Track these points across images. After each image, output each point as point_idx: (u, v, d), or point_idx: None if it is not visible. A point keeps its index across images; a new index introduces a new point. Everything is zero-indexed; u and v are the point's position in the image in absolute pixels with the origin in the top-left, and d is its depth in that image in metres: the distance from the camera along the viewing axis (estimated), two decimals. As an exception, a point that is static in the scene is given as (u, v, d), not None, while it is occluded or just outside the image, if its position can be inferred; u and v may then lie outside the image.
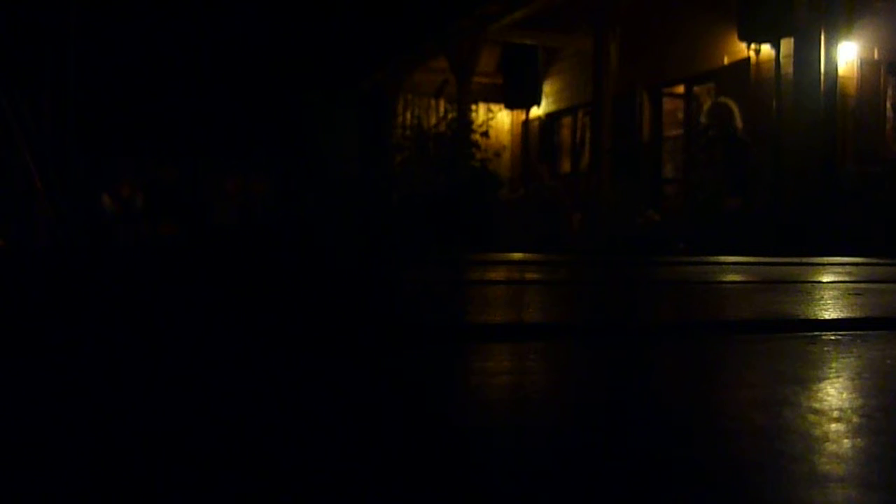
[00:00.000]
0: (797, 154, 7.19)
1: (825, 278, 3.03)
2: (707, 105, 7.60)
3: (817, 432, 0.65)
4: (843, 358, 1.05)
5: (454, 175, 11.11)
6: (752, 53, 8.06)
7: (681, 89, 9.85)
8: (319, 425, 0.68)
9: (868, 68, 7.62)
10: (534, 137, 12.79)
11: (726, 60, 8.64)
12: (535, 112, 12.44)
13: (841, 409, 0.74)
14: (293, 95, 13.12)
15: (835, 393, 0.82)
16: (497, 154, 12.68)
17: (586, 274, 3.68)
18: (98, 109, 10.62)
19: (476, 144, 11.86)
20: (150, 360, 1.01)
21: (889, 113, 7.86)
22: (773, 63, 7.54)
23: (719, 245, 6.60)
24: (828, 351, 1.11)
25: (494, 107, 13.02)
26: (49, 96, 6.30)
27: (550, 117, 12.42)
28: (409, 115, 13.67)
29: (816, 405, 0.76)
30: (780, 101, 7.41)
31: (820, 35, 7.12)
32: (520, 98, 12.01)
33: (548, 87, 12.25)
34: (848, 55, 7.45)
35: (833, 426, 0.67)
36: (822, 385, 0.87)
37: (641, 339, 1.31)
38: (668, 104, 10.19)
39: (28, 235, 5.43)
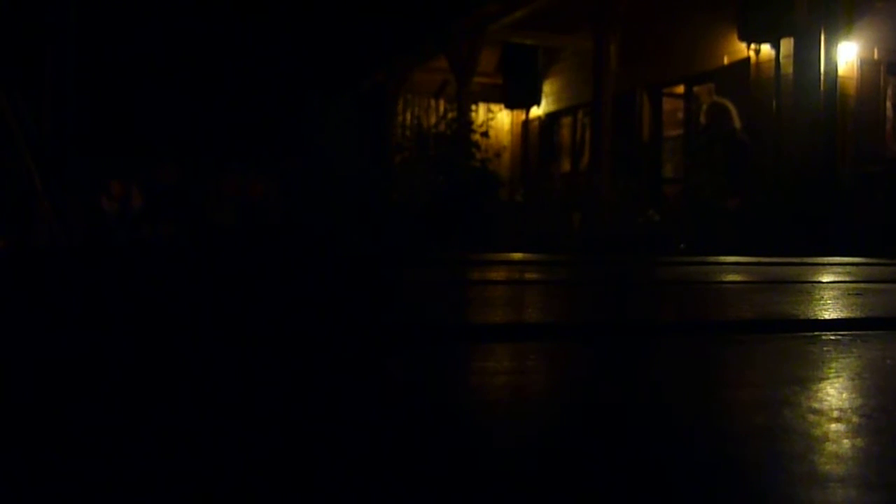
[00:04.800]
0: (797, 154, 7.19)
1: (825, 278, 3.03)
2: (706, 105, 7.60)
3: (817, 432, 0.65)
4: (843, 358, 1.05)
5: (454, 175, 11.11)
6: (752, 53, 8.06)
7: (681, 89, 9.85)
8: (320, 424, 0.68)
9: (868, 68, 7.62)
10: (534, 137, 12.78)
11: (726, 60, 8.64)
12: (535, 112, 12.44)
13: (841, 409, 0.74)
14: (293, 95, 13.11)
15: (835, 393, 0.82)
16: (497, 154, 12.67)
17: (586, 274, 3.67)
18: (98, 109, 10.62)
19: (476, 144, 11.85)
20: (149, 360, 1.01)
21: (889, 113, 7.86)
22: (773, 63, 7.54)
23: (719, 245, 6.59)
24: (828, 351, 1.11)
25: (494, 107, 13.02)
26: (49, 96, 6.30)
27: (550, 117, 12.42)
28: (409, 115, 13.67)
29: (816, 405, 0.76)
30: (780, 101, 7.40)
31: (820, 35, 7.12)
32: (520, 98, 12.00)
33: (548, 87, 12.24)
34: (848, 55, 7.45)
35: (833, 426, 0.67)
36: (822, 385, 0.87)
37: (641, 339, 1.31)
38: (668, 104, 10.18)
39: (28, 235, 5.43)
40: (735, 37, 7.85)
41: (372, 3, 12.87)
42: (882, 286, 2.62)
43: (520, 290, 2.48)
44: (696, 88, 9.55)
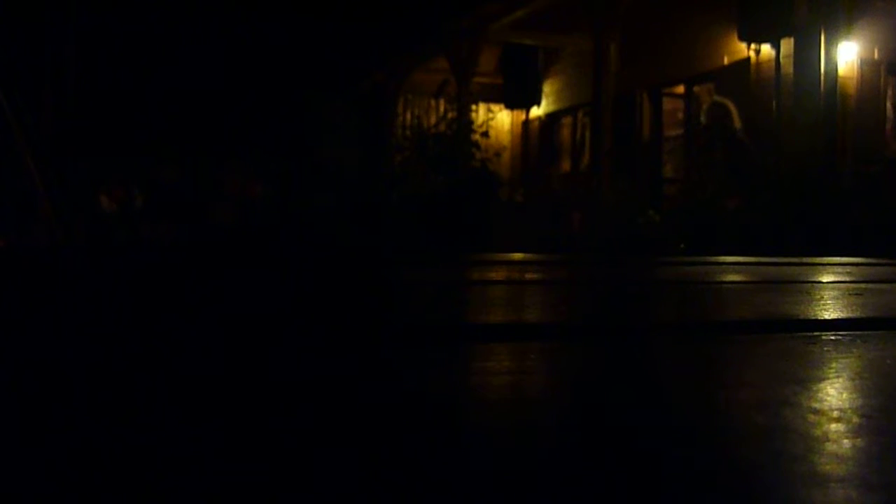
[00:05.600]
0: (797, 154, 7.20)
1: (825, 278, 3.03)
2: (706, 105, 7.61)
3: (817, 432, 0.65)
4: (843, 358, 1.05)
5: (454, 175, 11.12)
6: (752, 53, 8.07)
7: (681, 89, 9.85)
8: (319, 425, 0.68)
9: (868, 68, 7.63)
10: (534, 137, 12.79)
11: (726, 60, 8.64)
12: (535, 112, 12.45)
13: (841, 409, 0.74)
14: (293, 95, 13.12)
15: (835, 393, 0.82)
16: (497, 154, 12.68)
17: (586, 274, 3.67)
18: (98, 109, 10.62)
19: (476, 144, 11.86)
20: (151, 360, 1.01)
21: (889, 113, 7.87)
22: (773, 63, 7.54)
23: (719, 245, 6.59)
24: (828, 351, 1.11)
25: (494, 107, 13.02)
26: (49, 96, 6.30)
27: (550, 117, 12.42)
28: (409, 115, 13.68)
29: (816, 405, 0.76)
30: (780, 101, 7.41)
31: (820, 35, 7.12)
32: (520, 98, 12.02)
33: (548, 87, 12.25)
34: (848, 55, 7.45)
35: (833, 426, 0.67)
36: (822, 385, 0.87)
37: (641, 339, 1.31)
38: (668, 104, 10.19)
39: (28, 235, 5.43)
40: (735, 37, 7.86)
41: (372, 3, 12.87)
42: (882, 286, 2.62)
43: (519, 290, 2.48)
44: (696, 88, 9.56)
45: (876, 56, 7.62)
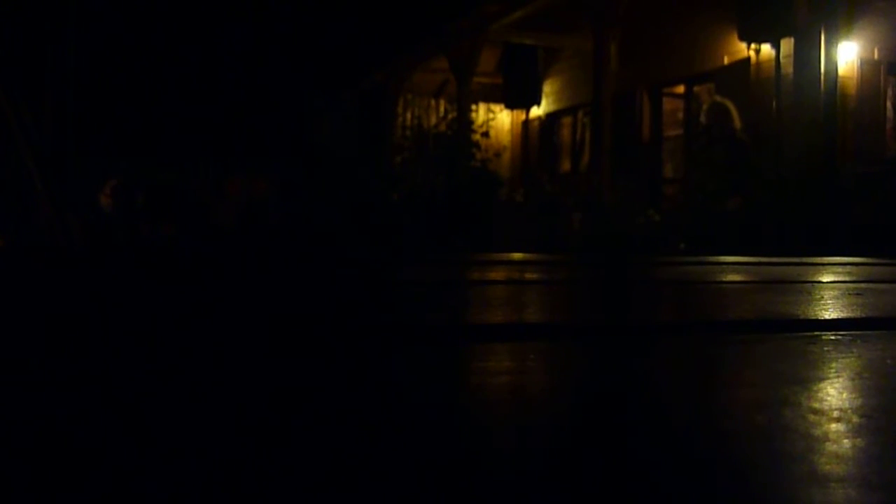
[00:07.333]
0: (797, 154, 7.19)
1: (825, 278, 3.03)
2: (706, 105, 7.60)
3: (817, 432, 0.65)
4: (843, 358, 1.05)
5: (454, 175, 11.11)
6: (752, 53, 8.06)
7: (681, 89, 9.85)
8: (319, 425, 0.68)
9: (868, 68, 7.62)
10: (534, 137, 12.78)
11: (726, 60, 8.63)
12: (535, 112, 12.44)
13: (841, 409, 0.74)
14: (294, 95, 13.11)
15: (835, 393, 0.82)
16: (497, 154, 12.68)
17: (586, 274, 3.67)
18: (99, 109, 10.62)
19: (476, 144, 11.85)
20: (150, 359, 1.01)
21: (889, 113, 7.86)
22: (773, 63, 7.54)
23: (719, 245, 6.59)
24: (828, 351, 1.11)
25: (494, 107, 13.02)
26: (49, 96, 6.30)
27: (550, 117, 12.42)
28: (409, 115, 13.67)
29: (816, 405, 0.76)
30: (780, 101, 7.41)
31: (820, 35, 7.12)
32: (520, 98, 12.00)
33: (548, 87, 12.24)
34: (848, 55, 7.45)
35: (833, 426, 0.67)
36: (822, 385, 0.87)
37: (641, 339, 1.31)
38: (668, 104, 10.18)
39: (28, 235, 5.43)
40: (735, 37, 7.85)
41: (372, 3, 12.87)
42: (882, 286, 2.62)
43: (520, 290, 2.48)
44: (696, 88, 9.55)
45: (876, 56, 7.61)
